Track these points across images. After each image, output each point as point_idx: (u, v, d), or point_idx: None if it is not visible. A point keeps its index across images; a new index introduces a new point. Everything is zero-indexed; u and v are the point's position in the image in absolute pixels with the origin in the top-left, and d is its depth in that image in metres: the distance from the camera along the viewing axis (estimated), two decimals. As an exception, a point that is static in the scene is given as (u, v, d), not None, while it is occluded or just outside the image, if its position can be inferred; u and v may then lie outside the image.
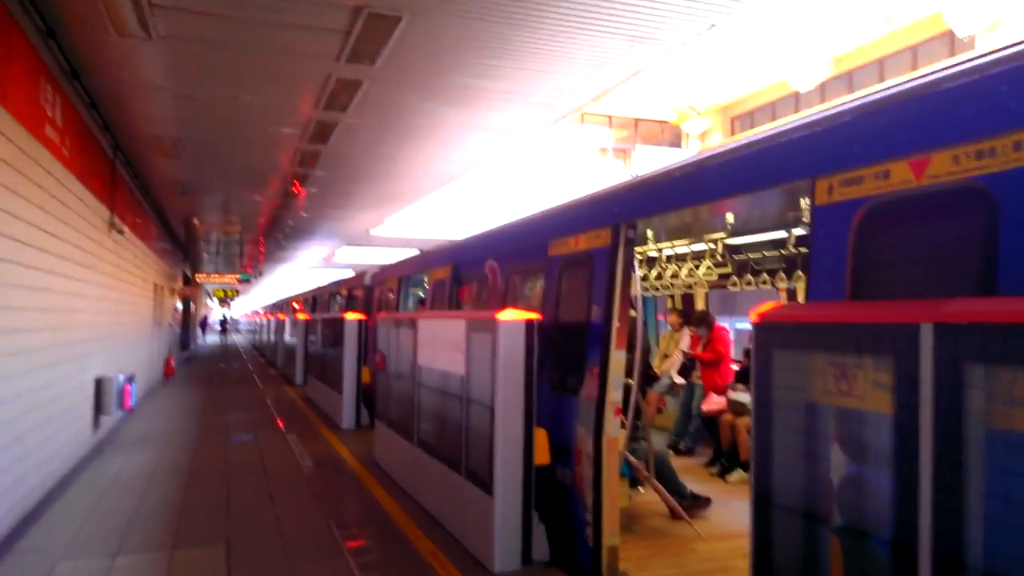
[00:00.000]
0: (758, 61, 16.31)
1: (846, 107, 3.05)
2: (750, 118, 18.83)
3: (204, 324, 49.11)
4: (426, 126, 8.54)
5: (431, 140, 9.20)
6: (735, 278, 7.08)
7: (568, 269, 5.18)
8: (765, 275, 6.80)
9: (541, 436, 4.63)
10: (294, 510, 6.06)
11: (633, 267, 4.64)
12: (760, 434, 2.48)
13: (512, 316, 4.50)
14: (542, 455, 4.63)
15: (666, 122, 21.01)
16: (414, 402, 6.30)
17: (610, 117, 20.79)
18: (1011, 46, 2.38)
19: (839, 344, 2.19)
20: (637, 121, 20.99)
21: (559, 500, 4.77)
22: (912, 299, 2.39)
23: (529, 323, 4.52)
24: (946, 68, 2.62)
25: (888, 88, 2.90)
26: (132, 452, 8.61)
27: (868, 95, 2.99)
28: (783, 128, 3.45)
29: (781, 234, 5.98)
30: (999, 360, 1.71)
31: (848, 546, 2.18)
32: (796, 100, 16.86)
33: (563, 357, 5.06)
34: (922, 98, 2.64)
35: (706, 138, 20.15)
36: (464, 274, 7.67)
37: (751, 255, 6.86)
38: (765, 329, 2.48)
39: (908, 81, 2.82)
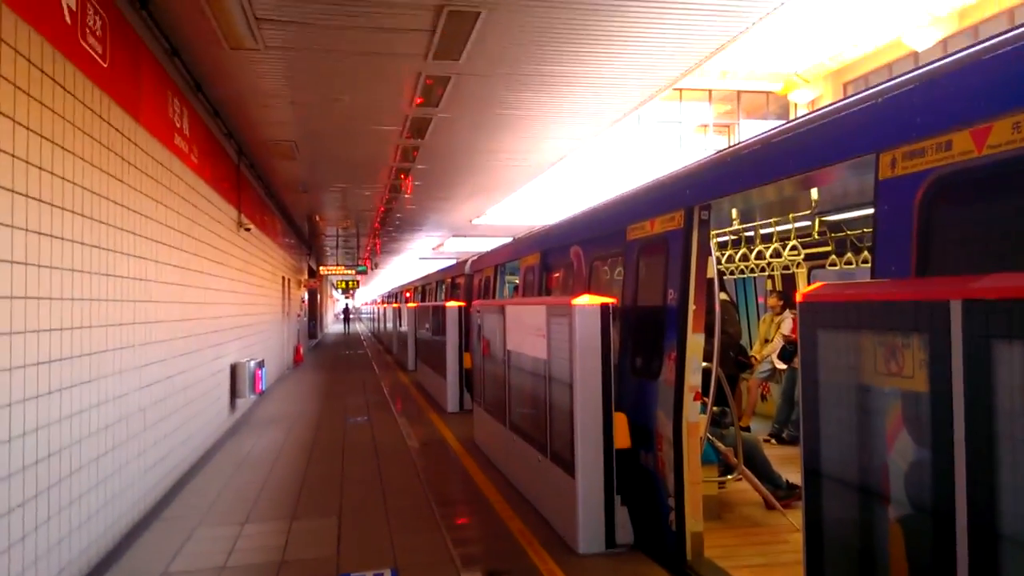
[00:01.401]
0: (870, 19, 15.20)
1: (907, 76, 2.95)
2: (864, 82, 17.60)
3: (347, 313, 52.11)
4: (516, 116, 8.72)
5: (522, 129, 9.38)
6: (834, 257, 6.77)
7: (645, 253, 5.21)
8: (867, 252, 6.46)
9: (621, 420, 4.71)
10: (399, 486, 6.48)
11: (709, 249, 4.61)
12: (808, 410, 2.49)
13: (587, 301, 4.59)
14: (622, 439, 4.70)
15: (771, 93, 20.04)
16: (505, 386, 6.55)
17: (710, 91, 20.11)
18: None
19: (876, 322, 2.17)
20: (740, 94, 20.17)
21: (643, 484, 4.84)
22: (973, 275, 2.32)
23: (604, 307, 4.59)
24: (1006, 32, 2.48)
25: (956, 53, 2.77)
26: (263, 432, 9.45)
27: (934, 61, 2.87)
28: (845, 101, 3.34)
29: None
30: None
31: (893, 519, 2.18)
32: (915, 60, 15.59)
33: (642, 341, 5.09)
34: (981, 63, 2.54)
35: (816, 108, 19.05)
36: (551, 261, 7.81)
37: (850, 232, 6.53)
38: (808, 308, 2.47)
39: (973, 45, 2.69)
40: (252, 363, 9.73)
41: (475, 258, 13.22)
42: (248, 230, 10.63)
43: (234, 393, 9.39)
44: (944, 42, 14.75)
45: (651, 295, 4.97)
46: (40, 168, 3.76)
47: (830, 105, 3.63)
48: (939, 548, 1.92)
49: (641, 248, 5.26)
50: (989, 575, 1.78)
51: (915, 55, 15.60)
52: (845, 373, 2.32)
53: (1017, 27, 2.44)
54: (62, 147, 4.04)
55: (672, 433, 4.44)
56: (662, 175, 5.42)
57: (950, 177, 2.56)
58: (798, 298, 2.51)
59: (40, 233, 3.75)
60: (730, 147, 4.44)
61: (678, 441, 4.39)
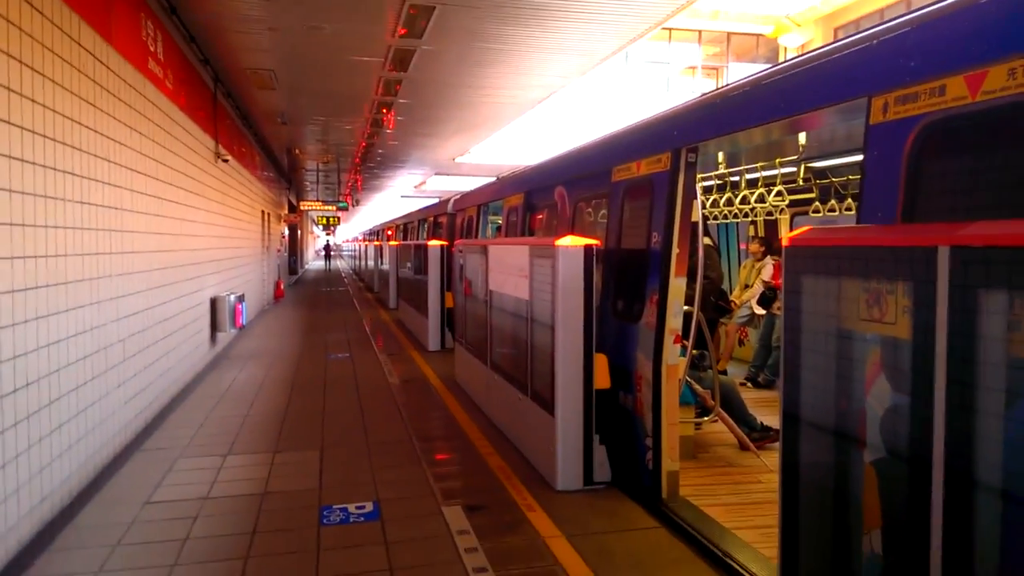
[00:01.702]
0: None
1: (902, 18, 2.88)
2: (856, 26, 17.32)
3: (328, 250, 51.73)
4: (503, 50, 8.49)
5: (509, 65, 9.15)
6: (818, 204, 6.78)
7: (630, 195, 5.16)
8: (850, 200, 6.47)
9: (601, 361, 4.74)
10: (380, 422, 6.56)
11: (694, 193, 4.58)
12: (789, 356, 2.52)
13: (570, 242, 4.57)
14: (602, 379, 4.75)
15: (761, 35, 19.68)
16: (487, 326, 6.58)
17: (700, 33, 19.70)
18: None
19: (861, 268, 2.18)
20: (729, 35, 19.79)
21: (621, 424, 4.91)
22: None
23: (587, 249, 4.58)
24: None
25: None
26: (244, 366, 9.46)
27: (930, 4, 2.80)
28: (838, 42, 3.28)
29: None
30: (1017, 285, 1.68)
31: (872, 464, 2.24)
32: (907, 5, 15.34)
33: (625, 284, 5.10)
34: (977, 6, 2.48)
35: (806, 52, 18.78)
36: (535, 201, 7.74)
37: (835, 179, 6.53)
38: (794, 252, 2.48)
39: None
40: (232, 297, 9.66)
41: (458, 197, 13.08)
42: (226, 161, 10.39)
43: (214, 327, 9.35)
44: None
45: (635, 238, 4.96)
46: (8, 89, 3.60)
47: (824, 47, 3.55)
48: (914, 493, 1.97)
49: (626, 190, 5.21)
50: (962, 520, 1.84)
51: (907, 1, 15.34)
52: (829, 319, 2.34)
53: None
54: (31, 68, 3.86)
55: (651, 375, 4.51)
56: (650, 116, 5.33)
57: (942, 123, 2.51)
58: (784, 241, 2.51)
59: (11, 157, 3.62)
60: (720, 88, 4.37)
61: (657, 383, 4.46)
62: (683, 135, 4.48)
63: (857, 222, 2.91)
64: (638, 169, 5.00)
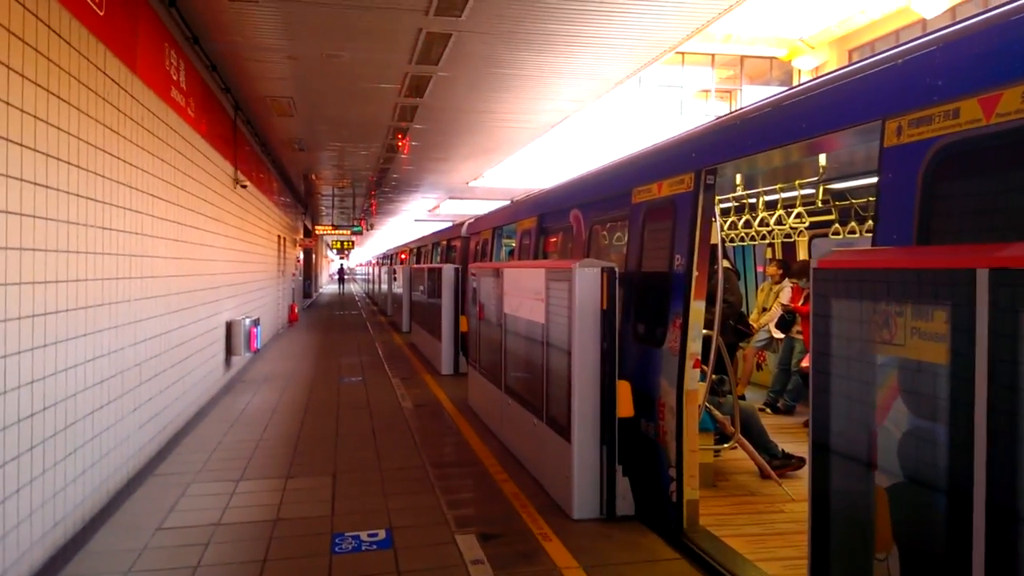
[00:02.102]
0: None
1: (916, 41, 2.89)
2: (870, 49, 17.35)
3: (341, 274, 52.11)
4: (517, 76, 8.56)
5: (523, 90, 9.23)
6: (837, 226, 6.72)
7: (651, 217, 5.09)
8: (870, 222, 6.40)
9: (624, 389, 4.62)
10: (393, 447, 6.52)
11: (714, 214, 4.54)
12: (819, 382, 2.46)
13: (588, 265, 4.55)
14: (625, 407, 4.61)
15: (775, 59, 19.77)
16: (501, 350, 6.54)
17: (713, 56, 19.82)
18: None
19: (895, 291, 2.14)
20: (743, 59, 19.89)
21: (644, 453, 4.77)
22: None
23: (610, 272, 4.53)
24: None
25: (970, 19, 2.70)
26: (258, 390, 9.47)
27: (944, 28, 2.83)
28: (853, 66, 3.31)
29: None
30: None
31: (903, 495, 2.17)
32: (923, 27, 15.36)
33: (646, 307, 4.99)
34: (991, 29, 2.49)
35: (820, 74, 18.81)
36: (549, 224, 7.73)
37: (855, 200, 6.47)
38: (824, 275, 2.44)
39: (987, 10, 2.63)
40: (248, 321, 9.71)
41: (472, 220, 13.13)
42: (244, 187, 10.51)
43: (229, 351, 9.38)
44: (952, 10, 14.52)
45: (657, 260, 4.88)
46: (35, 117, 3.67)
47: (838, 70, 3.57)
48: (955, 526, 1.91)
49: (647, 211, 5.14)
50: (1006, 554, 1.77)
51: (923, 23, 15.36)
52: (861, 344, 2.29)
53: None
54: (57, 96, 3.94)
55: (675, 402, 4.39)
56: (672, 136, 5.29)
57: (956, 146, 2.51)
58: (814, 264, 2.47)
59: (35, 183, 3.67)
60: (741, 109, 4.35)
61: (680, 410, 4.35)
62: (707, 155, 4.43)
63: (873, 244, 2.87)
64: (659, 190, 4.94)
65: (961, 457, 1.89)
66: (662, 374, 4.60)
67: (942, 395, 1.98)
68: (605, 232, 6.38)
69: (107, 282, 4.75)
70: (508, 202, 12.47)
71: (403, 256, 26.13)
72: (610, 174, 6.28)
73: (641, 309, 5.08)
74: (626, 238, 5.55)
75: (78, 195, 4.25)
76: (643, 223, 5.19)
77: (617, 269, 4.63)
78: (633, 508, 4.62)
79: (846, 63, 17.92)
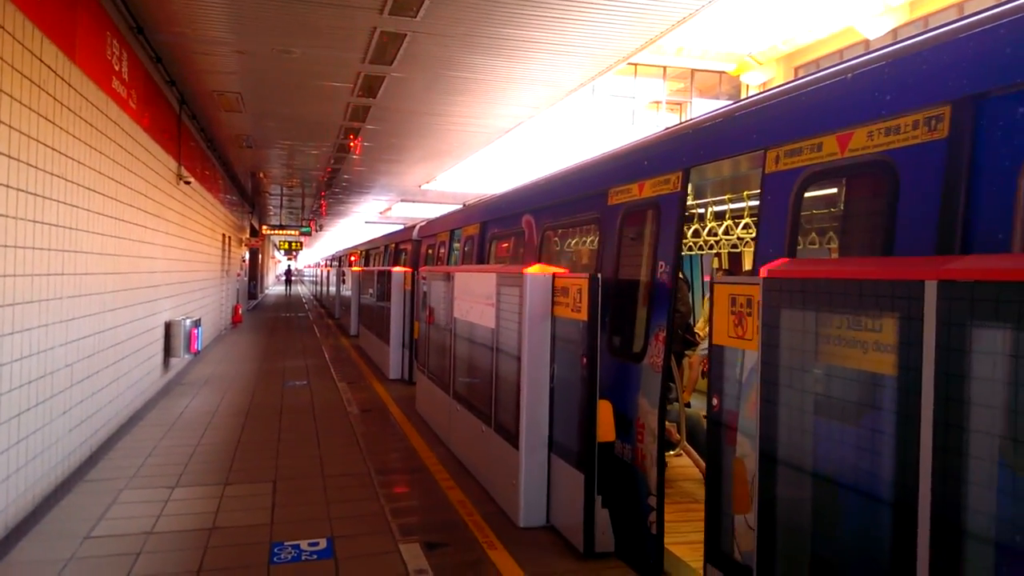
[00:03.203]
0: (825, 5, 15.47)
1: (791, 83, 3.40)
2: (815, 66, 17.94)
3: (288, 275, 50.97)
4: (472, 79, 8.54)
5: (477, 94, 9.21)
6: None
7: (629, 220, 4.72)
8: (814, 235, 6.59)
9: (606, 409, 4.18)
10: (337, 454, 6.39)
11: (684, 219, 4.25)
12: (766, 392, 2.50)
13: (538, 270, 4.53)
14: (606, 430, 4.14)
15: (724, 73, 20.26)
16: (450, 355, 6.49)
17: (664, 68, 20.20)
18: (921, 34, 2.80)
19: (841, 301, 2.19)
20: (693, 72, 20.32)
21: (618, 479, 4.30)
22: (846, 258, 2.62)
23: (593, 280, 4.18)
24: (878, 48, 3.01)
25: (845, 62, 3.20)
26: (197, 393, 9.17)
27: (821, 70, 3.37)
28: (738, 102, 3.83)
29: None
30: (1001, 318, 1.70)
31: (848, 505, 2.21)
32: (866, 47, 15.97)
33: (624, 319, 4.58)
34: (846, 79, 2.98)
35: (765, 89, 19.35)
36: (496, 231, 7.70)
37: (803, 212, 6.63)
38: (772, 285, 2.48)
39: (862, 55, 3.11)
40: (188, 321, 9.40)
41: (423, 224, 13.02)
42: (188, 183, 10.19)
43: (168, 352, 9.07)
44: (895, 31, 15.13)
45: (636, 267, 4.57)
46: (-43, 103, 3.47)
47: (729, 104, 4.03)
48: (900, 541, 1.96)
49: (625, 214, 4.75)
50: (950, 571, 1.81)
51: (866, 42, 15.97)
52: (809, 354, 2.33)
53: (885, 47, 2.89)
54: (-17, 81, 3.74)
55: (657, 423, 3.93)
56: (657, 132, 4.91)
57: (818, 175, 3.01)
58: (762, 273, 2.52)
59: (-44, 173, 3.47)
60: (730, 104, 4.13)
61: (662, 432, 3.93)
62: (693, 153, 4.12)
63: (754, 261, 3.30)
64: (640, 191, 4.58)
65: (906, 468, 1.94)
66: (641, 392, 4.15)
67: (889, 406, 2.04)
68: (556, 238, 6.37)
69: (37, 278, 4.52)
70: (460, 206, 12.41)
71: (353, 258, 25.77)
72: (578, 175, 5.89)
73: (618, 320, 4.62)
74: (593, 243, 5.21)
75: (7, 186, 4.04)
76: (620, 227, 4.80)
77: (600, 278, 4.24)
78: (613, 544, 4.23)
79: (791, 78, 18.52)
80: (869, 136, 2.75)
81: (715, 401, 3.12)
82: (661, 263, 4.13)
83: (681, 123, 4.80)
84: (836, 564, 2.28)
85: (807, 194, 3.10)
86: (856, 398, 2.19)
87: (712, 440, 3.16)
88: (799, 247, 3.12)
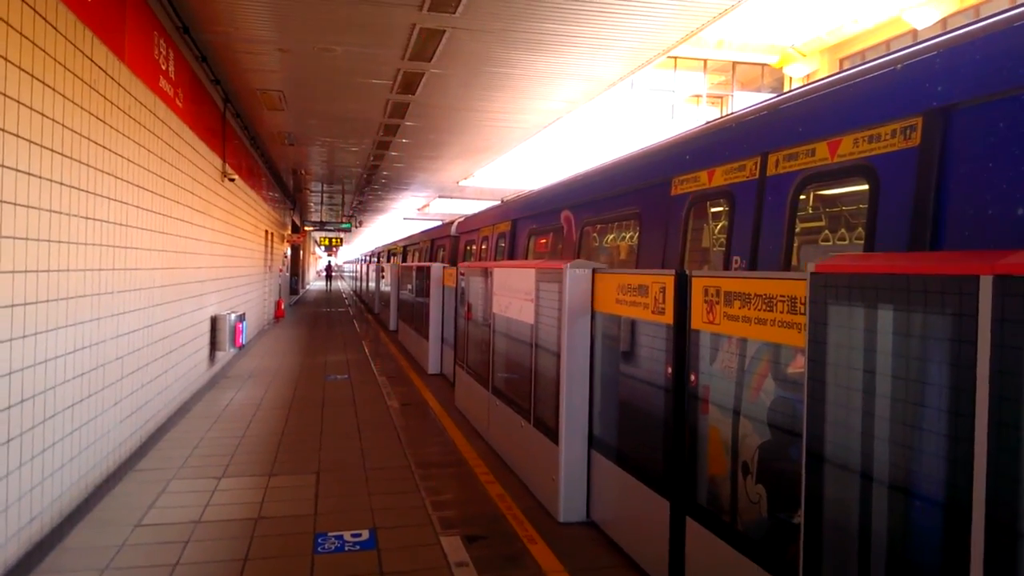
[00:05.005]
0: (871, -4, 15.06)
1: (789, 93, 3.81)
2: (861, 58, 17.46)
3: (329, 271, 51.67)
4: (510, 75, 8.53)
5: (515, 90, 9.19)
6: (827, 232, 6.72)
7: (697, 211, 4.57)
8: (860, 229, 6.42)
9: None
10: (378, 446, 6.46)
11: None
12: (814, 390, 2.44)
13: (577, 266, 4.50)
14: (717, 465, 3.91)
15: (767, 65, 19.86)
16: (489, 350, 6.49)
17: (705, 61, 19.88)
18: (899, 50, 3.18)
19: (892, 296, 2.13)
20: (735, 65, 19.96)
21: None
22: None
23: (681, 276, 3.83)
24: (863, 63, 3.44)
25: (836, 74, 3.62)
26: (242, 386, 9.36)
27: (810, 83, 3.78)
28: (743, 110, 4.23)
29: None
30: None
31: (898, 504, 2.15)
32: (914, 38, 15.47)
33: None
34: (837, 89, 3.37)
35: (809, 81, 18.90)
36: (539, 226, 7.67)
37: (845, 208, 6.48)
38: (821, 281, 2.42)
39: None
40: (233, 316, 9.60)
41: (462, 220, 13.07)
42: (232, 180, 10.39)
43: (214, 346, 9.27)
44: (944, 20, 14.64)
45: (703, 263, 4.52)
46: (18, 102, 3.58)
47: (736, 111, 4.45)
48: (953, 542, 1.89)
49: (692, 204, 4.57)
50: (1007, 572, 1.75)
51: (914, 32, 15.48)
52: (859, 352, 2.27)
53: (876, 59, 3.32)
54: (41, 81, 3.85)
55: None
56: (727, 115, 4.74)
57: (812, 177, 3.43)
58: (809, 268, 2.46)
59: (17, 170, 3.59)
60: (814, 82, 3.95)
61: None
62: (776, 136, 3.87)
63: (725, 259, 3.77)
64: (710, 180, 4.41)
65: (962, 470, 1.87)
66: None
67: (944, 400, 1.97)
68: (595, 234, 6.31)
69: (90, 273, 4.66)
70: (498, 202, 12.42)
71: (392, 254, 26.02)
72: (634, 164, 5.70)
73: None
74: (666, 235, 4.99)
75: (61, 183, 4.17)
76: (686, 218, 4.59)
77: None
78: None
79: (836, 71, 18.08)
80: (855, 143, 3.29)
81: (692, 377, 3.45)
82: (736, 259, 3.93)
83: (756, 105, 4.51)
84: (886, 562, 2.22)
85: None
86: (906, 396, 2.12)
87: (690, 410, 3.49)
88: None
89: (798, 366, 2.77)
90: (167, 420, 6.89)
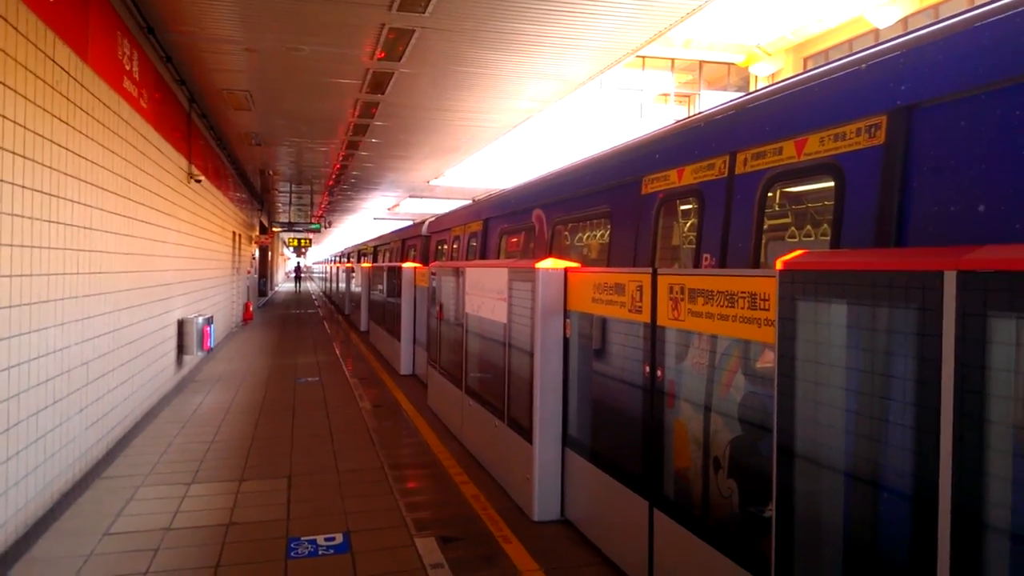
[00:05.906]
0: (834, -4, 15.37)
1: (757, 92, 3.89)
2: (824, 57, 17.81)
3: (298, 272, 51.06)
4: (480, 74, 8.53)
5: (485, 89, 9.20)
6: (793, 229, 6.86)
7: (667, 210, 4.63)
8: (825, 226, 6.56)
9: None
10: (351, 449, 6.42)
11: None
12: (783, 385, 2.49)
13: (550, 264, 4.53)
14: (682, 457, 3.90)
15: (733, 64, 20.15)
16: (461, 350, 6.50)
17: (672, 61, 20.11)
18: (864, 49, 3.30)
19: (859, 292, 2.18)
20: (702, 64, 20.23)
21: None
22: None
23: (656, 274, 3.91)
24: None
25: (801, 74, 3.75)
26: (211, 390, 9.23)
27: (776, 82, 3.93)
28: (712, 109, 4.33)
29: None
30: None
31: (865, 498, 2.21)
32: (876, 37, 15.82)
33: None
34: (804, 89, 3.46)
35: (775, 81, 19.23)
36: (510, 225, 7.70)
37: (811, 204, 6.62)
38: (789, 277, 2.47)
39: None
40: (200, 319, 9.46)
41: (432, 219, 13.04)
42: (199, 181, 10.24)
43: (181, 349, 9.13)
44: (905, 20, 15.00)
45: (674, 261, 4.56)
46: (-26, 104, 3.50)
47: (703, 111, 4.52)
48: (921, 534, 1.96)
49: (662, 203, 4.64)
50: (973, 566, 1.80)
51: (876, 32, 15.83)
52: (827, 347, 2.32)
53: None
54: (2, 83, 3.76)
55: None
56: (696, 114, 4.80)
57: (779, 175, 3.53)
58: (778, 265, 2.51)
59: (-26, 175, 3.50)
60: (781, 81, 4.03)
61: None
62: (744, 135, 3.95)
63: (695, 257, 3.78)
64: (680, 178, 4.48)
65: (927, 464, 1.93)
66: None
67: (908, 394, 2.03)
68: (566, 232, 6.36)
69: (53, 277, 4.57)
70: (469, 202, 12.41)
71: (361, 255, 25.81)
72: (604, 164, 5.73)
73: None
74: (637, 232, 5.03)
75: (23, 186, 4.07)
76: (656, 217, 4.66)
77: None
78: None
79: (801, 70, 18.41)
80: (821, 141, 3.39)
81: (659, 372, 3.50)
82: (706, 256, 3.98)
83: (724, 104, 4.61)
84: (854, 557, 2.28)
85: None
86: (873, 391, 2.18)
87: (656, 403, 3.53)
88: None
89: (767, 361, 2.82)
90: (134, 426, 6.77)
